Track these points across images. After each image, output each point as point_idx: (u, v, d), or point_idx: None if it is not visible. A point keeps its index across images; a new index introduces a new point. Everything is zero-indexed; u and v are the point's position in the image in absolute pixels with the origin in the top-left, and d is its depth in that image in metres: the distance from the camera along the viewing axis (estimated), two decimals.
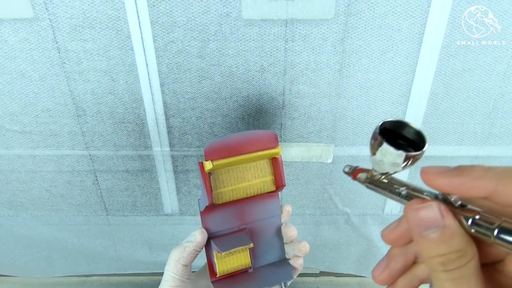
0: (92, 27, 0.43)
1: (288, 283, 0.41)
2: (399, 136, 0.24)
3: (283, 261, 0.42)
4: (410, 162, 0.23)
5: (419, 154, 0.22)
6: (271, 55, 0.45)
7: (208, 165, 0.36)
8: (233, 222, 0.40)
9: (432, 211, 0.20)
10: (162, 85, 0.47)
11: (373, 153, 0.24)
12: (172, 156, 0.54)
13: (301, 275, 0.72)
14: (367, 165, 0.28)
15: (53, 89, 0.47)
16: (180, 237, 0.63)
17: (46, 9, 0.42)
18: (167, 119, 0.50)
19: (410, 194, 0.23)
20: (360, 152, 0.52)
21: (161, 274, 0.38)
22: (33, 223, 0.61)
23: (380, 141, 0.23)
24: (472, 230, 0.19)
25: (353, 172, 0.29)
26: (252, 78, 0.47)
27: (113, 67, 0.46)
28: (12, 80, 0.47)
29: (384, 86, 0.47)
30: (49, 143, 0.52)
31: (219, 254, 0.38)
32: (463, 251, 0.19)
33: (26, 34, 0.43)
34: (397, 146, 0.23)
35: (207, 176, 0.37)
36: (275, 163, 0.40)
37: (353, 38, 0.44)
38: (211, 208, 0.38)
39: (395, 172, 0.24)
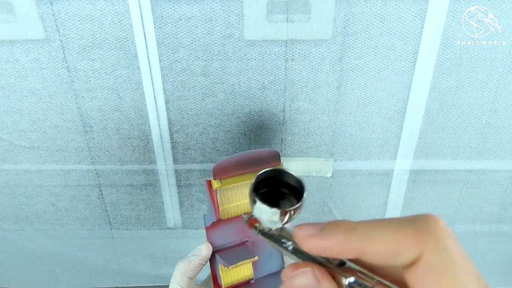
0: (100, 47, 0.45)
1: None
2: (284, 183, 0.22)
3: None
4: (292, 214, 0.21)
5: (297, 207, 0.21)
6: (272, 74, 0.47)
7: (216, 184, 0.38)
8: (236, 235, 0.41)
9: (307, 277, 0.19)
10: (167, 102, 0.49)
11: (252, 209, 0.22)
12: (176, 171, 0.55)
13: None
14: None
15: (62, 106, 0.49)
16: (183, 250, 0.63)
17: (57, 30, 0.44)
18: (171, 134, 0.52)
19: (296, 250, 0.21)
20: (358, 166, 0.54)
21: (164, 287, 0.39)
22: (37, 237, 0.62)
23: (253, 198, 0.21)
24: None
25: (249, 221, 0.26)
26: (254, 95, 0.49)
27: (120, 85, 0.48)
28: (22, 98, 0.48)
29: (380, 102, 0.49)
30: (56, 158, 0.53)
31: (225, 267, 0.39)
32: None
33: (37, 54, 0.45)
34: (278, 196, 0.21)
35: (215, 194, 0.38)
36: None
37: (350, 57, 0.46)
38: (216, 223, 0.40)
39: (277, 228, 0.22)
